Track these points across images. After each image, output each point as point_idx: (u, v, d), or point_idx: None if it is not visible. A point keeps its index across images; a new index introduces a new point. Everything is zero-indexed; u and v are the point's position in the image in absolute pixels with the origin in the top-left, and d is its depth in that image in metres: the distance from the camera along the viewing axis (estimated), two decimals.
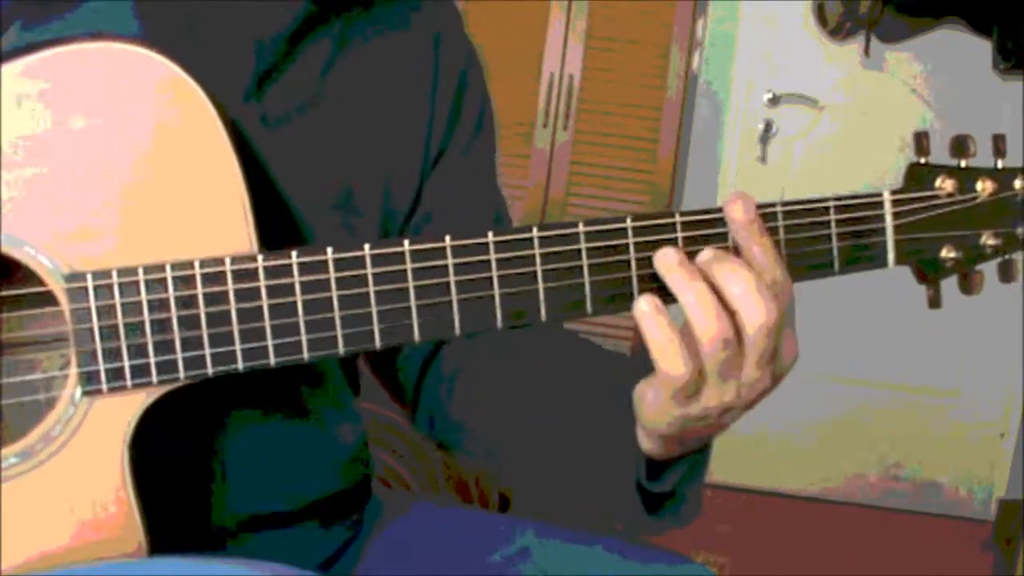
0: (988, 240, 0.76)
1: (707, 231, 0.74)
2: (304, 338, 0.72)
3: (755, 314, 0.70)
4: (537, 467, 0.88)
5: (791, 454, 3.50)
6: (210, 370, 0.72)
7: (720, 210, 0.74)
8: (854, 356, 3.42)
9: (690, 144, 3.44)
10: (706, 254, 0.72)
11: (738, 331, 0.70)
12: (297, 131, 0.84)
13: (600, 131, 3.46)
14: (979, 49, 3.12)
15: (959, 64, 3.14)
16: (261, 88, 0.82)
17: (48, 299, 0.71)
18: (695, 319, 0.70)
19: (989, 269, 0.78)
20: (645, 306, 0.71)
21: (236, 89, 0.81)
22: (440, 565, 0.93)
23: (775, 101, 3.37)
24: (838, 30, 3.30)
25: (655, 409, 0.73)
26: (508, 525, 0.99)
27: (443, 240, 0.72)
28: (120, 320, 0.70)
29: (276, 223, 0.78)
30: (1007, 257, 0.77)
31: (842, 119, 3.35)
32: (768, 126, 3.38)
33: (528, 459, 0.89)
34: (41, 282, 0.71)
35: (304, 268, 0.71)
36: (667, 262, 0.72)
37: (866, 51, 3.24)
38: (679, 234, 0.74)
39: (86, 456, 0.72)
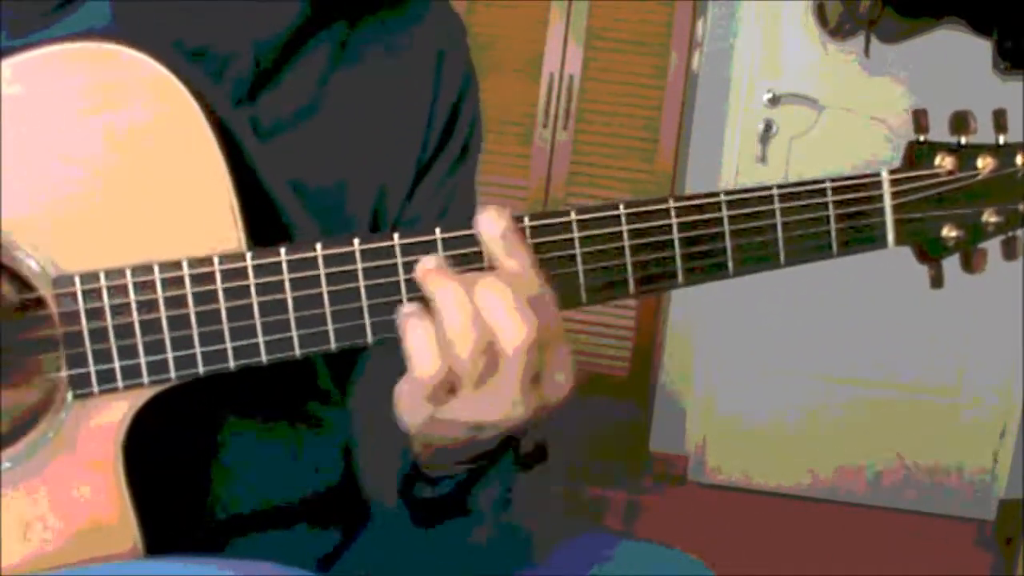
0: (990, 218, 0.75)
1: (699, 215, 0.74)
2: (295, 334, 0.71)
3: (511, 332, 0.67)
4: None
5: (790, 453, 3.50)
6: (201, 369, 0.71)
7: (712, 195, 0.73)
8: (854, 355, 3.42)
9: (690, 144, 3.44)
10: (470, 274, 0.70)
11: (496, 346, 0.68)
12: (290, 137, 0.83)
13: (600, 131, 3.47)
14: (979, 49, 3.12)
15: (959, 64, 3.14)
16: (255, 93, 0.82)
17: (37, 303, 0.71)
18: (450, 325, 0.68)
19: (993, 248, 0.77)
20: (407, 308, 0.70)
21: (229, 94, 0.80)
22: (431, 557, 0.91)
23: (775, 101, 3.37)
24: (838, 30, 3.30)
25: (408, 406, 0.72)
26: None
27: (433, 233, 0.71)
28: (109, 322, 0.70)
29: (267, 229, 0.78)
30: (1010, 234, 0.76)
31: (842, 119, 3.35)
32: (768, 126, 3.38)
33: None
34: (30, 286, 0.70)
35: (293, 265, 0.71)
36: (424, 267, 0.70)
37: (866, 51, 3.24)
38: (674, 220, 0.73)
39: (80, 458, 0.71)
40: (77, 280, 0.70)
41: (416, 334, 0.69)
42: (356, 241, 0.71)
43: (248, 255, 0.71)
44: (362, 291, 0.71)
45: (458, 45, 0.94)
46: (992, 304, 3.25)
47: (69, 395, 0.71)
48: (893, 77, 3.26)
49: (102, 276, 0.70)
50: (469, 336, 0.67)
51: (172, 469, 0.78)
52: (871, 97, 3.30)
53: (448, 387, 0.69)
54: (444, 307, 0.68)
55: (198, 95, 0.71)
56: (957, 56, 3.17)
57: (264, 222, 0.78)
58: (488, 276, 0.69)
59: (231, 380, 0.73)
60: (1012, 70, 3.07)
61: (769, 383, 3.48)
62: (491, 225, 0.70)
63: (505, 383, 0.69)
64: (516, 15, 3.45)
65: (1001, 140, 0.75)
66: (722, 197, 0.74)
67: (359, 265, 0.71)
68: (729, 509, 3.37)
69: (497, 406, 0.70)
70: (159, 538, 0.74)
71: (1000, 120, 0.74)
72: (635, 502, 3.36)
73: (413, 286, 0.72)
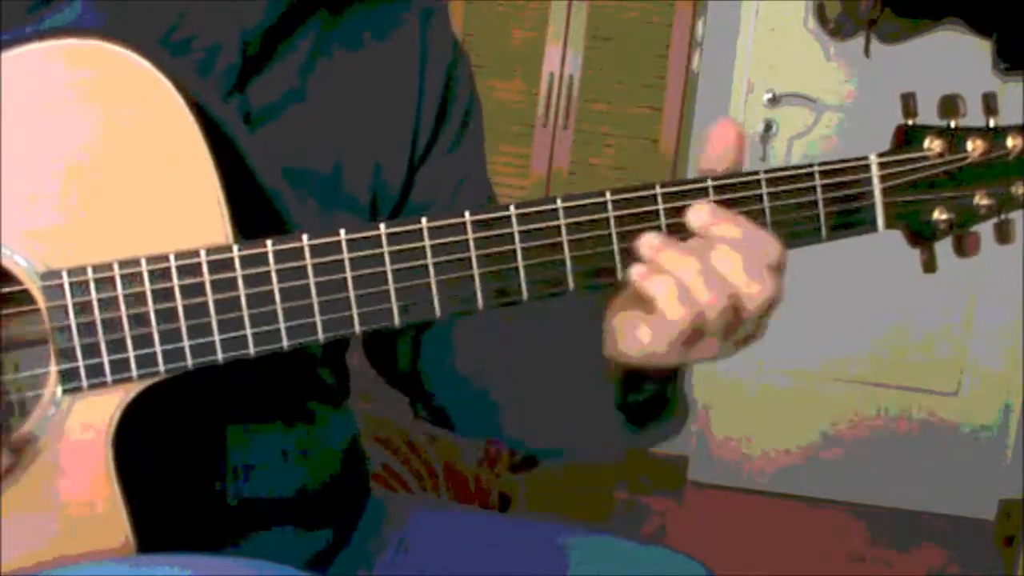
0: (982, 200, 0.75)
1: (689, 201, 0.74)
2: (283, 326, 0.71)
3: (754, 292, 0.71)
4: (530, 404, 0.89)
5: (790, 454, 3.50)
6: (190, 362, 0.71)
7: (699, 180, 0.74)
8: (855, 356, 3.42)
9: (690, 144, 3.44)
10: (693, 242, 0.73)
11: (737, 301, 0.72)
12: (282, 124, 0.83)
13: (600, 131, 3.46)
14: (979, 49, 3.12)
15: (959, 64, 3.14)
16: (244, 83, 0.82)
17: (26, 299, 0.71)
18: (698, 292, 0.71)
19: (986, 232, 0.77)
20: (638, 271, 0.72)
21: (218, 86, 0.80)
22: (447, 567, 0.93)
23: (775, 101, 3.37)
24: (838, 30, 3.30)
25: (646, 342, 0.74)
26: (509, 526, 1.00)
27: (419, 222, 0.71)
28: (97, 316, 0.70)
29: (261, 218, 0.78)
30: (1004, 217, 0.76)
31: (842, 119, 3.35)
32: (768, 126, 3.38)
33: (521, 396, 0.89)
34: (18, 282, 0.70)
35: (280, 256, 0.71)
36: (651, 244, 0.73)
37: (866, 51, 3.24)
38: (660, 206, 0.73)
39: (70, 454, 0.71)
40: (64, 274, 0.70)
41: (662, 289, 0.71)
42: (343, 231, 0.71)
43: (235, 247, 0.71)
44: (349, 281, 0.71)
45: (441, 22, 0.94)
46: (993, 304, 3.25)
47: (58, 390, 0.71)
48: (892, 77, 3.26)
49: (89, 270, 0.70)
50: (715, 297, 0.71)
51: (165, 464, 0.78)
52: (870, 97, 3.30)
53: (698, 333, 0.73)
54: (691, 281, 0.71)
55: (183, 90, 0.71)
56: (957, 56, 3.17)
57: (258, 214, 0.78)
58: (720, 246, 0.72)
59: (229, 376, 0.73)
60: (1012, 70, 3.07)
61: (769, 384, 3.48)
62: (702, 216, 0.73)
63: (748, 323, 0.73)
64: (516, 15, 3.45)
65: (991, 123, 0.75)
66: (709, 183, 0.74)
67: (346, 255, 0.71)
68: (729, 509, 3.37)
69: (735, 348, 0.75)
70: (154, 533, 0.73)
71: (990, 103, 0.73)
72: (635, 502, 3.36)
73: (400, 275, 0.72)
